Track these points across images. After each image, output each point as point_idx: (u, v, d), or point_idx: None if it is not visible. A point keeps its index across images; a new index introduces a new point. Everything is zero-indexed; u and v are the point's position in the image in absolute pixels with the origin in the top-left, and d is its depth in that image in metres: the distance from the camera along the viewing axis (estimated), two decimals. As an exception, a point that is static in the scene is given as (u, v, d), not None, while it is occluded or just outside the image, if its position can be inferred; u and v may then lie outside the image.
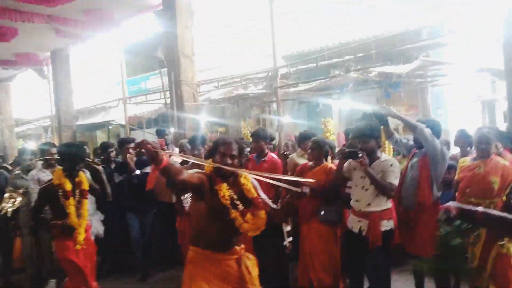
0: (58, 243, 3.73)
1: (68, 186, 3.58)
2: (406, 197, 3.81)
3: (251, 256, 2.80)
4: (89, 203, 4.45)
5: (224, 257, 2.67)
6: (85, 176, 3.78)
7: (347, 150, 3.58)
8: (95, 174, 4.34)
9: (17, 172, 5.13)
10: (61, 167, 3.68)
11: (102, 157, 5.65)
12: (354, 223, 3.66)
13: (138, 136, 9.12)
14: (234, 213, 2.61)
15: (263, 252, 4.07)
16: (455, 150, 5.12)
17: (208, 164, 2.76)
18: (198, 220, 2.68)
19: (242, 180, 2.73)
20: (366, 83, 7.34)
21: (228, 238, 2.68)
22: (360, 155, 3.43)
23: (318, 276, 4.15)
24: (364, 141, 3.56)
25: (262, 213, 2.70)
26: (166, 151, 2.57)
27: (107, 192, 4.32)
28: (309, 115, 10.44)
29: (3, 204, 4.17)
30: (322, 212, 3.84)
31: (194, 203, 2.70)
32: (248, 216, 2.64)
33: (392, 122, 4.23)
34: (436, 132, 3.82)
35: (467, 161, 3.80)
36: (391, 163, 3.57)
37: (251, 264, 2.76)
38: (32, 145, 11.00)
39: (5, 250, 5.25)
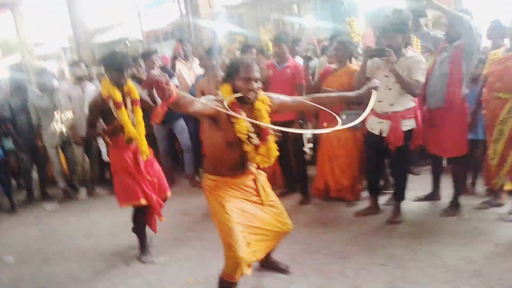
0: (114, 154, 3.49)
1: (118, 96, 3.34)
2: (433, 95, 3.64)
3: (263, 172, 2.81)
4: None
5: (243, 179, 2.67)
6: (134, 85, 3.51)
7: (373, 48, 3.42)
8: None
9: (38, 93, 5.20)
10: (107, 78, 3.42)
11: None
12: (375, 125, 3.62)
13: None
14: (247, 147, 2.56)
15: (284, 158, 4.13)
16: (486, 43, 4.75)
17: (237, 116, 2.48)
18: (215, 149, 2.60)
19: (258, 104, 2.60)
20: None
21: (245, 162, 2.66)
22: (386, 52, 3.28)
23: (336, 179, 4.23)
24: (391, 37, 3.40)
25: (273, 145, 2.66)
26: (173, 84, 2.31)
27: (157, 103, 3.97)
28: (333, 15, 9.83)
29: (55, 124, 4.28)
30: (344, 116, 3.77)
31: (210, 131, 2.58)
32: (262, 149, 2.59)
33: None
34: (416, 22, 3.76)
35: (499, 53, 3.53)
36: (418, 59, 3.41)
37: (265, 180, 2.79)
38: (52, 66, 11.04)
39: (39, 165, 5.56)
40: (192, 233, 4.01)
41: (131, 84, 3.47)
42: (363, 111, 2.63)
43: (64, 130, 4.59)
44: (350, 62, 4.12)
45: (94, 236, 4.22)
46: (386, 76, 3.46)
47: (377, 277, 2.95)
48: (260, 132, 2.60)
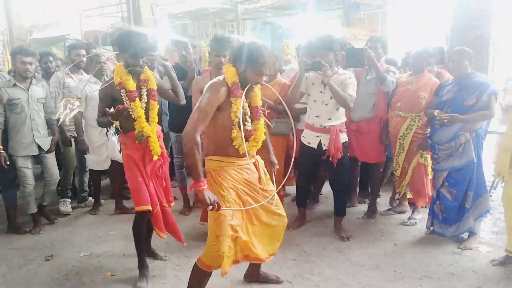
0: (125, 151, 3.05)
1: (132, 85, 2.89)
2: (359, 109, 3.98)
3: (260, 158, 2.78)
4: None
5: (246, 162, 2.59)
6: (151, 73, 3.08)
7: (310, 61, 3.44)
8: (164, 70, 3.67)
9: None
10: (122, 63, 2.95)
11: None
12: (312, 138, 3.68)
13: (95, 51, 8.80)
14: (235, 133, 2.49)
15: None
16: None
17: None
18: (219, 130, 2.52)
19: (257, 89, 2.62)
20: (327, 3, 7.29)
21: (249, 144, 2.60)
22: (323, 66, 3.32)
23: None
24: (323, 54, 3.47)
25: (261, 125, 2.61)
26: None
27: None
28: (272, 36, 10.32)
29: (61, 111, 3.63)
30: (274, 124, 4.00)
31: (215, 115, 2.48)
32: (252, 137, 2.57)
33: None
34: (384, 47, 4.06)
35: (403, 77, 4.01)
36: (349, 76, 3.57)
37: (263, 165, 2.76)
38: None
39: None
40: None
41: (149, 72, 3.03)
42: (289, 119, 2.89)
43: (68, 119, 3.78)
44: (281, 75, 4.42)
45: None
46: (321, 92, 3.57)
47: (288, 270, 3.20)
48: (253, 115, 2.61)
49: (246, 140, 2.50)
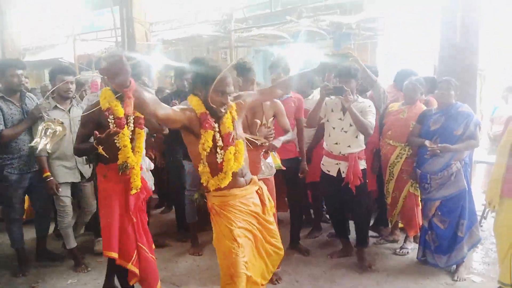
0: (103, 185, 2.86)
1: (121, 111, 2.72)
2: None
3: (262, 183, 2.65)
4: None
5: (248, 191, 2.48)
6: None
7: (332, 85, 3.34)
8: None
9: None
10: (109, 88, 2.83)
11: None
12: (331, 166, 3.64)
13: (88, 75, 8.83)
14: (201, 167, 2.37)
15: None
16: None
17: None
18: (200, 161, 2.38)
19: (226, 117, 2.41)
20: (318, 33, 7.44)
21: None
22: (344, 91, 3.28)
23: None
24: (346, 81, 3.44)
25: (228, 154, 2.40)
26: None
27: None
28: (264, 63, 10.44)
29: (37, 139, 3.22)
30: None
31: (191, 143, 2.39)
32: (220, 172, 2.39)
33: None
34: (375, 73, 4.13)
35: (395, 106, 4.08)
36: (368, 104, 3.56)
37: (266, 192, 2.62)
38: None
39: None
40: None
41: None
42: None
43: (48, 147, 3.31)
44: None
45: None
46: (340, 119, 3.55)
47: None
48: (223, 143, 2.40)
49: (216, 173, 2.38)
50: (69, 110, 3.63)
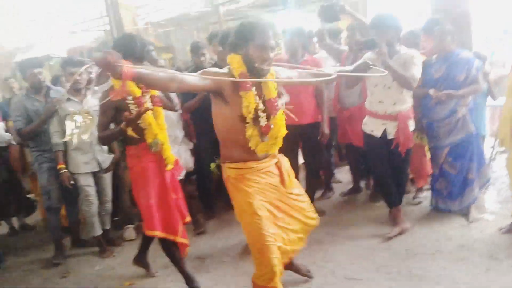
0: (138, 166, 2.81)
1: (138, 91, 2.70)
2: (350, 96, 4.00)
3: (284, 157, 2.51)
4: (173, 124, 3.74)
5: (267, 164, 2.34)
6: None
7: (363, 39, 3.12)
8: None
9: None
10: None
11: None
12: (376, 126, 3.39)
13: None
14: (251, 130, 2.22)
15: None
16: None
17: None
18: (228, 130, 2.25)
19: (269, 77, 2.28)
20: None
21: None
22: (377, 43, 3.01)
23: None
24: (383, 32, 3.14)
25: (282, 125, 2.31)
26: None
27: (172, 99, 3.23)
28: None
29: (68, 133, 2.99)
30: None
31: (218, 110, 2.23)
32: (270, 134, 2.28)
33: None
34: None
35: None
36: (412, 54, 3.24)
37: (289, 166, 2.48)
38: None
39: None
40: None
41: None
42: None
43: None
44: None
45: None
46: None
47: (301, 259, 3.22)
48: (268, 109, 2.27)
49: (262, 138, 2.26)
50: (82, 101, 3.63)
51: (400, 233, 3.43)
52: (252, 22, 2.22)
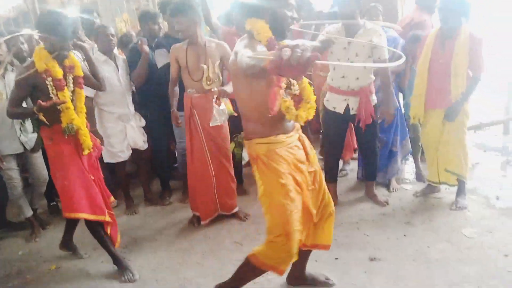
0: (52, 148, 2.72)
1: (59, 72, 2.59)
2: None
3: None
4: (123, 100, 3.66)
5: (294, 138, 2.17)
6: (76, 58, 2.79)
7: (325, 12, 3.12)
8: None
9: None
10: (43, 46, 2.63)
11: None
12: (338, 103, 3.33)
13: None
14: (286, 103, 2.04)
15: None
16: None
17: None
18: (262, 105, 1.99)
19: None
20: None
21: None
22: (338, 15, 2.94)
23: None
24: (345, 3, 3.09)
25: (306, 83, 2.15)
26: None
27: (100, 78, 3.00)
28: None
29: None
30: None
31: (248, 85, 2.00)
32: (303, 103, 2.12)
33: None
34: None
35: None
36: (379, 32, 3.16)
37: (308, 141, 2.29)
38: None
39: None
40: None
41: (73, 57, 2.74)
42: None
43: None
44: None
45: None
46: (344, 48, 3.18)
47: (235, 233, 3.31)
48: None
49: (296, 106, 2.10)
50: (3, 76, 3.35)
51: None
52: None
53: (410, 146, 3.90)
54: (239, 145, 3.76)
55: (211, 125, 3.27)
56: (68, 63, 2.69)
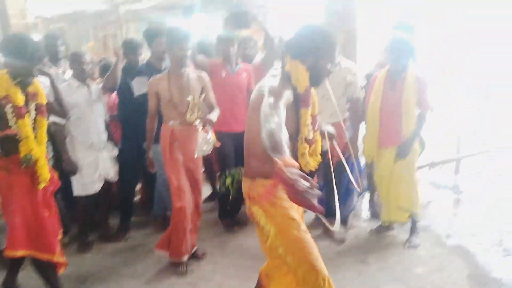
0: (5, 180, 2.56)
1: (20, 99, 2.49)
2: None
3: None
4: (96, 128, 3.53)
5: None
6: (41, 85, 2.69)
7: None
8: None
9: None
10: (6, 71, 2.52)
11: None
12: None
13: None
14: (303, 148, 2.06)
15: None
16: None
17: None
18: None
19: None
20: (211, 3, 7.38)
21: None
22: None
23: None
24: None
25: (318, 135, 2.24)
26: None
27: (65, 106, 2.93)
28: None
29: None
30: None
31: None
32: (314, 150, 2.18)
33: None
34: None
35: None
36: (354, 71, 3.31)
37: None
38: None
39: None
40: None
41: (37, 83, 2.65)
42: None
43: None
44: None
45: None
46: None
47: (191, 272, 3.25)
48: (313, 125, 2.18)
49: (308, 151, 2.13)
50: None
51: None
52: (323, 30, 2.02)
53: (365, 183, 4.00)
54: (237, 182, 3.51)
55: (195, 156, 3.15)
56: (32, 90, 2.59)
